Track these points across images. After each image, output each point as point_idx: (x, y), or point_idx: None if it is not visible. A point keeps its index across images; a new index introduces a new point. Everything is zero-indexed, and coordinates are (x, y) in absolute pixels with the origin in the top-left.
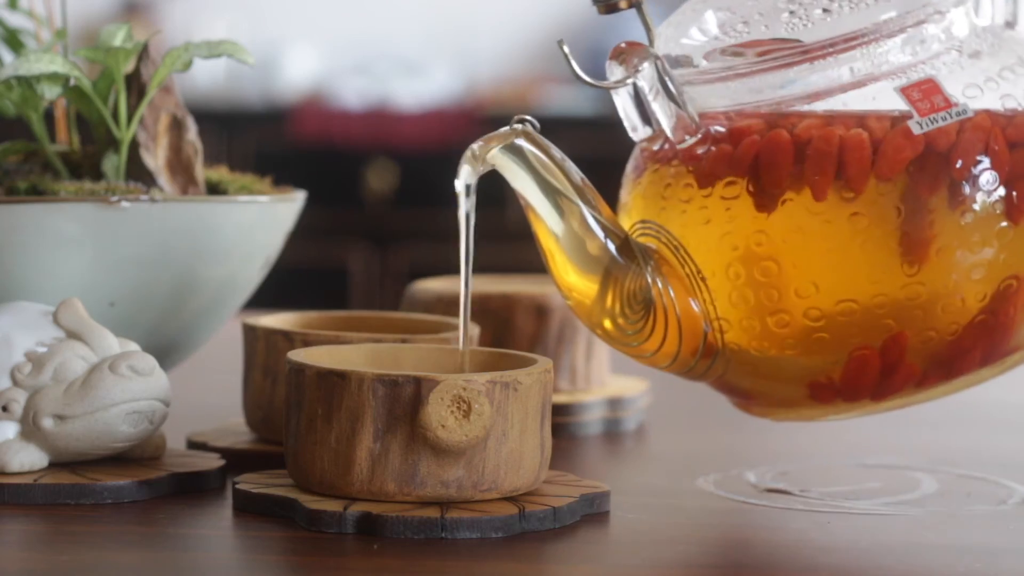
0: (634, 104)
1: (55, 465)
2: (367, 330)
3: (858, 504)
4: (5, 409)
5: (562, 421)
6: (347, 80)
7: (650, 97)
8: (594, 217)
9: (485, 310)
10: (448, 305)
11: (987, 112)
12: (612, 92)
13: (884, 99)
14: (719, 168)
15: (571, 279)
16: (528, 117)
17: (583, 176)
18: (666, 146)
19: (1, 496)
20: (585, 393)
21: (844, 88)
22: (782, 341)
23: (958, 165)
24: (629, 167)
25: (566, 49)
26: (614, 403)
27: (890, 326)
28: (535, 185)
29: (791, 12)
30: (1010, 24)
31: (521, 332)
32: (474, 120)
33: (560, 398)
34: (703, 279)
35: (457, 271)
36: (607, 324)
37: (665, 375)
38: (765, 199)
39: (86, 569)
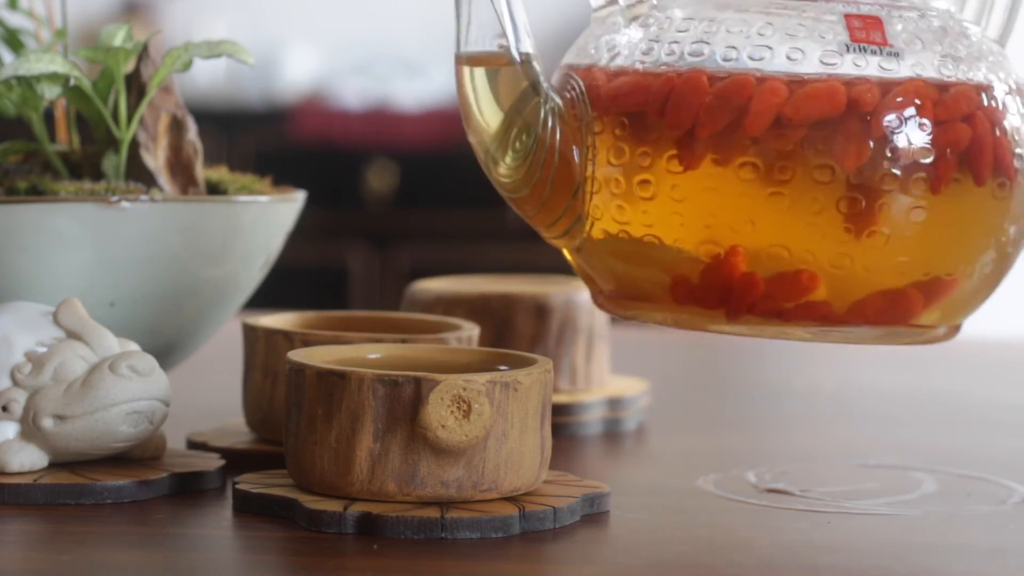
0: None
1: (55, 465)
2: (367, 330)
3: (858, 504)
4: (5, 409)
5: (562, 421)
6: (347, 80)
7: None
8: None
9: (485, 310)
10: (448, 305)
11: (921, 80)
12: None
13: (828, 25)
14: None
15: (484, 106)
16: None
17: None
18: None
19: (1, 496)
20: (585, 393)
21: None
22: (646, 214)
23: (879, 124)
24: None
25: None
26: (614, 403)
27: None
28: None
29: None
30: (1000, 41)
31: (521, 332)
32: None
33: (560, 398)
34: (595, 138)
35: (457, 271)
36: (502, 156)
37: (665, 376)
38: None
39: (86, 569)
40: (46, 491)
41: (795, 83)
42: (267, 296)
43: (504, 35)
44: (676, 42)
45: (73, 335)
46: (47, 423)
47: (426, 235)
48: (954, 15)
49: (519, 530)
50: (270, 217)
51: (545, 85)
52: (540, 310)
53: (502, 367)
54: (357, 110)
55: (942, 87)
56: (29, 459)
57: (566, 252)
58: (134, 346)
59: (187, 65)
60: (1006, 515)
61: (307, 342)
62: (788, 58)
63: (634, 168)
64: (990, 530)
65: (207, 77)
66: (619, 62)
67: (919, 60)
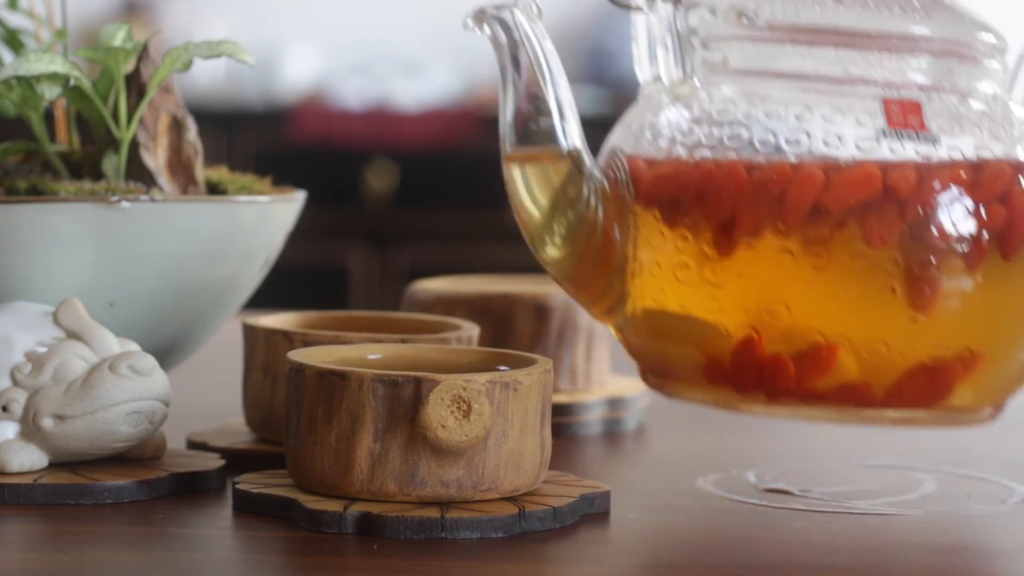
0: (647, 37)
1: (55, 465)
2: (367, 330)
3: (858, 504)
4: (5, 409)
5: (562, 421)
6: (347, 80)
7: (656, 36)
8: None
9: (485, 310)
10: (448, 305)
11: (957, 165)
12: (633, 15)
13: (864, 106)
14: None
15: (536, 194)
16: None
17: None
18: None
19: (1, 496)
20: (585, 393)
21: (845, 81)
22: (685, 296)
23: (916, 211)
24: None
25: None
26: (614, 403)
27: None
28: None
29: None
30: None
31: (521, 332)
32: (474, 120)
33: (560, 398)
34: (636, 219)
35: (457, 272)
36: (546, 238)
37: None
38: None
39: (87, 569)
40: (46, 491)
41: (831, 169)
42: (267, 296)
43: (549, 115)
44: (716, 124)
45: (73, 335)
46: (47, 423)
47: (426, 235)
48: (999, 97)
49: (519, 530)
50: (270, 217)
51: (589, 164)
52: (540, 310)
53: (502, 367)
54: (357, 110)
55: (977, 169)
56: (29, 459)
57: (612, 329)
58: (134, 346)
59: (187, 65)
60: (1006, 515)
61: (307, 342)
62: (824, 143)
63: (672, 251)
64: (990, 530)
65: (207, 77)
66: (661, 144)
67: (956, 144)
